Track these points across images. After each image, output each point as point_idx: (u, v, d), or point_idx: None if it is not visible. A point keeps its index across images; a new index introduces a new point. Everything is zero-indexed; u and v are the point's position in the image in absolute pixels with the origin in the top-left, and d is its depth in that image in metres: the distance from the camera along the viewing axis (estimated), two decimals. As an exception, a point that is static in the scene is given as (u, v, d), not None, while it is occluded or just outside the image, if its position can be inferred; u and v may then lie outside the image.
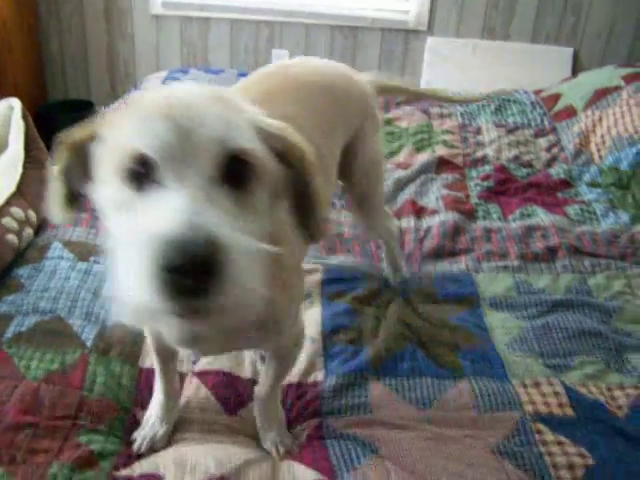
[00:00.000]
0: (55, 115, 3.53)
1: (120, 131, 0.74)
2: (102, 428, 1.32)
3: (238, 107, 0.79)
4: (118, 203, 0.73)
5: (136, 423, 1.37)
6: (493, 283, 1.80)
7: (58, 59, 3.90)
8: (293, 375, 1.46)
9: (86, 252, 1.73)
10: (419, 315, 1.67)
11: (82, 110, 3.64)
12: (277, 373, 1.29)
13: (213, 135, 0.71)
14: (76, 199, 0.86)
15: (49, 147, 0.92)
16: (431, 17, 3.74)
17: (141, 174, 0.71)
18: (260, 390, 1.33)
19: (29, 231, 1.77)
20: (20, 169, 1.85)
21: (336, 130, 1.34)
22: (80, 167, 0.82)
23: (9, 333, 1.48)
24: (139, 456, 1.29)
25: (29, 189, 1.84)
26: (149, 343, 1.30)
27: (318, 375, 1.49)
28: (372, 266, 1.86)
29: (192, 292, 0.64)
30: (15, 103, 1.94)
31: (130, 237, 0.68)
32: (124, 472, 1.23)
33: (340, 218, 2.05)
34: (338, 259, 1.87)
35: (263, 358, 1.48)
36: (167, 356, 1.31)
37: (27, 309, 1.55)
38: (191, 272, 0.62)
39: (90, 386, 1.39)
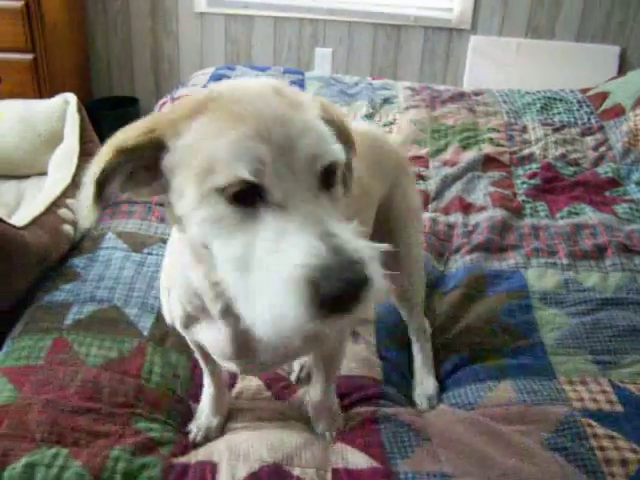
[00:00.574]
0: (100, 111, 3.58)
1: (206, 146, 0.72)
2: (159, 417, 1.35)
3: (310, 107, 0.78)
4: (219, 222, 0.72)
5: (190, 414, 1.40)
6: (542, 279, 1.80)
7: (104, 56, 3.96)
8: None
9: (139, 243, 1.76)
10: (464, 315, 1.67)
11: (127, 106, 3.70)
12: (326, 376, 1.31)
13: (310, 152, 0.72)
14: (102, 200, 0.79)
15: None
16: (474, 16, 3.73)
17: (244, 195, 0.70)
18: (314, 395, 1.35)
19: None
20: (75, 161, 1.89)
21: (376, 179, 1.35)
22: (124, 169, 0.77)
23: (69, 320, 1.52)
24: (195, 445, 1.32)
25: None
26: (191, 346, 1.30)
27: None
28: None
29: (344, 307, 0.67)
30: (70, 98, 1.98)
31: (263, 262, 0.68)
32: (181, 459, 1.26)
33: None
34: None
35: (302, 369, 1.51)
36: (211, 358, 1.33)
37: (85, 297, 1.58)
38: (346, 293, 0.65)
39: (148, 375, 1.42)
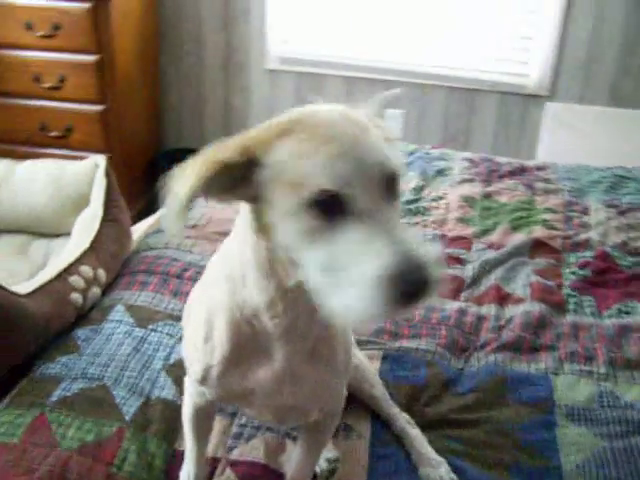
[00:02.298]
0: (169, 163, 3.62)
1: (298, 164, 0.81)
2: (124, 511, 1.28)
3: (371, 128, 0.87)
4: (308, 233, 0.80)
5: (159, 509, 1.32)
6: (574, 389, 1.63)
7: (176, 108, 4.04)
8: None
9: (146, 318, 1.72)
10: (477, 421, 1.52)
11: (196, 159, 3.74)
12: (315, 447, 1.28)
13: (377, 162, 0.82)
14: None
15: (157, 193, 0.89)
16: (554, 82, 3.59)
17: (329, 206, 0.79)
18: (295, 473, 1.30)
19: (96, 290, 1.79)
20: (96, 227, 1.88)
21: None
22: (216, 183, 0.85)
23: (54, 397, 1.48)
24: None
25: (102, 246, 1.86)
26: (188, 418, 1.26)
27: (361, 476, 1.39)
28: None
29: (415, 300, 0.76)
30: (100, 161, 1.98)
31: (349, 263, 0.77)
32: None
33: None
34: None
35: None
36: (202, 432, 1.29)
37: (76, 374, 1.54)
38: (418, 290, 0.75)
39: (120, 463, 1.35)
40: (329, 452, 1.41)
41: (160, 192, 0.87)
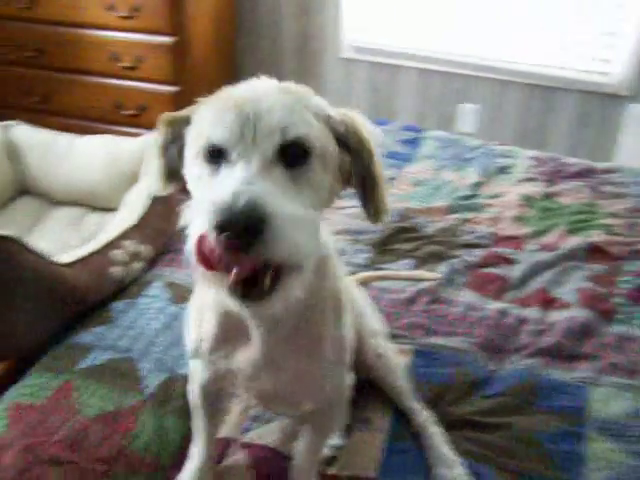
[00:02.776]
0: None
1: (202, 118, 0.89)
2: (134, 481, 1.31)
3: (303, 97, 0.90)
4: (199, 179, 0.88)
5: (168, 485, 1.34)
6: (610, 403, 1.55)
7: (251, 94, 4.06)
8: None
9: (182, 296, 1.74)
10: (501, 425, 1.48)
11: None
12: (316, 439, 1.27)
13: (274, 124, 0.83)
14: (174, 175, 1.00)
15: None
16: (639, 82, 3.42)
17: (217, 156, 0.85)
18: (298, 462, 1.30)
19: (137, 265, 1.82)
20: (144, 202, 1.91)
21: None
22: (175, 146, 0.97)
23: (83, 364, 1.54)
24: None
25: (148, 223, 1.89)
26: (195, 396, 1.28)
27: (370, 469, 1.37)
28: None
29: (241, 248, 0.75)
30: (153, 139, 2.01)
31: (200, 202, 0.82)
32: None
33: (451, 296, 1.89)
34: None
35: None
36: (211, 413, 1.30)
37: (107, 344, 1.59)
38: (240, 231, 0.74)
39: (136, 435, 1.39)
40: (333, 439, 1.40)
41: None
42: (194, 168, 0.89)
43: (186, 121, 0.95)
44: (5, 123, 2.40)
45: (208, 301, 1.07)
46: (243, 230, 0.74)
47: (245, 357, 1.06)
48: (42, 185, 2.34)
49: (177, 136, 0.97)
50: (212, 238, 0.75)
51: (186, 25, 3.31)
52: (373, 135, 0.95)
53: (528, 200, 2.40)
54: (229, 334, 1.06)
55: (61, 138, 2.35)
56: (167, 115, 0.99)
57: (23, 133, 2.37)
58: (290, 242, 0.77)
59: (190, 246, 0.79)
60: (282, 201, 0.78)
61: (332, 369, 1.12)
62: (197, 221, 0.78)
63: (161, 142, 0.98)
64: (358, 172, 0.95)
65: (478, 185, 2.50)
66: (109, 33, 3.38)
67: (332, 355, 1.09)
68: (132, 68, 3.39)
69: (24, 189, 2.40)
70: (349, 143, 0.93)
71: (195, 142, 0.89)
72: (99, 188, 2.21)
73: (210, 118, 0.86)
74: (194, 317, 1.12)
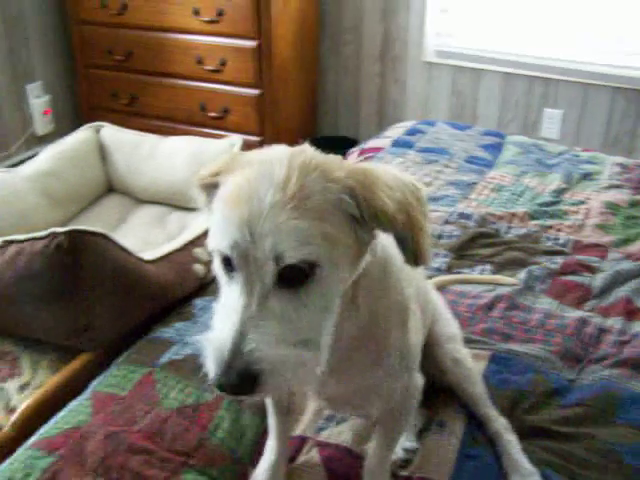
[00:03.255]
0: (323, 149, 3.69)
1: (216, 214, 0.88)
2: (211, 473, 1.34)
3: (314, 190, 0.84)
4: (220, 275, 0.90)
5: (244, 478, 1.37)
6: (696, 419, 1.50)
7: (332, 96, 4.11)
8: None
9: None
10: (578, 436, 1.44)
11: (348, 147, 3.79)
12: (387, 439, 1.27)
13: (267, 251, 0.81)
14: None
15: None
16: None
17: (229, 263, 0.85)
18: (370, 462, 1.30)
19: (218, 264, 1.86)
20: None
21: None
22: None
23: (165, 358, 1.58)
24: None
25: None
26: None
27: (442, 473, 1.36)
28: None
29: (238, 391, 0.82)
30: (236, 141, 2.06)
31: (218, 312, 0.87)
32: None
33: (530, 303, 1.86)
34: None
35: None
36: (281, 410, 1.32)
37: (187, 340, 1.63)
38: (236, 388, 0.81)
39: (214, 429, 1.42)
40: (408, 442, 1.40)
41: None
42: (215, 260, 0.91)
43: (215, 186, 0.93)
44: (96, 124, 2.49)
45: None
46: (238, 386, 0.81)
47: None
48: (127, 184, 2.43)
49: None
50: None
51: (269, 29, 3.37)
52: (393, 194, 0.87)
53: (612, 208, 2.34)
54: None
55: (146, 139, 2.43)
56: (200, 177, 0.97)
57: (111, 134, 2.47)
58: (284, 383, 0.83)
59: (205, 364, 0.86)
60: (276, 350, 0.81)
61: (398, 376, 1.12)
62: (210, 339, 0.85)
63: (202, 204, 0.98)
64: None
65: (561, 191, 2.45)
66: (194, 37, 3.48)
67: (397, 362, 1.10)
68: (216, 71, 3.48)
69: (111, 187, 2.50)
70: (366, 217, 0.86)
71: (211, 236, 0.89)
72: (183, 188, 2.27)
73: (219, 225, 0.86)
74: None
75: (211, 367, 0.83)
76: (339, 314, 0.91)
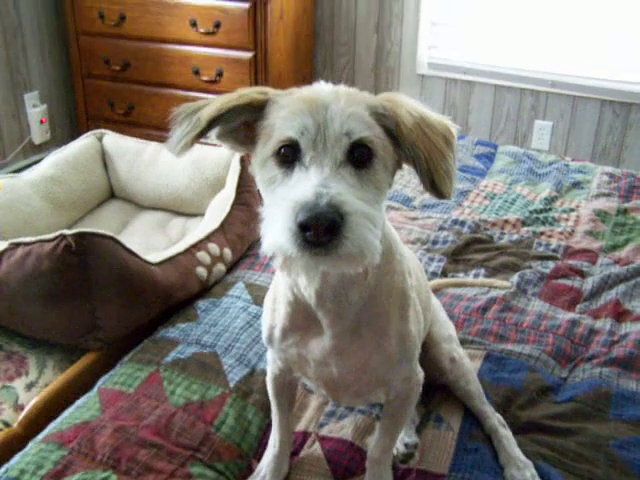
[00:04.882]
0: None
1: (277, 117, 0.95)
2: (217, 467, 1.39)
3: (361, 100, 0.96)
4: (273, 181, 0.94)
5: (249, 471, 1.42)
6: (684, 414, 1.56)
7: (326, 108, 4.15)
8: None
9: (262, 297, 1.81)
10: (571, 431, 1.50)
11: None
12: (390, 429, 1.31)
13: (342, 130, 0.91)
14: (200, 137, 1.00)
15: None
16: None
17: (289, 160, 0.92)
18: (373, 452, 1.34)
19: (221, 267, 1.92)
20: (228, 209, 2.01)
21: None
22: (233, 118, 1.00)
23: (170, 357, 1.62)
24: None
25: (231, 228, 1.99)
26: (270, 387, 1.36)
27: (441, 466, 1.41)
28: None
29: (319, 244, 0.83)
30: (237, 148, 2.11)
31: (279, 202, 0.88)
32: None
33: (523, 306, 1.92)
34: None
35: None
36: (284, 400, 1.37)
37: (192, 339, 1.68)
38: (319, 229, 0.82)
39: (219, 424, 1.46)
40: (409, 437, 1.44)
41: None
42: (266, 171, 0.95)
43: (258, 105, 0.99)
44: (99, 131, 2.53)
45: (281, 292, 1.16)
46: (325, 228, 0.82)
47: (315, 344, 1.14)
48: (129, 190, 2.47)
49: (245, 112, 1.00)
50: (290, 233, 0.83)
51: (265, 41, 3.43)
52: (415, 112, 0.98)
53: (601, 215, 2.40)
54: (299, 323, 1.15)
55: (148, 147, 2.47)
56: (241, 92, 1.01)
57: (113, 141, 2.51)
58: (363, 238, 0.85)
59: (266, 245, 0.87)
60: (355, 200, 0.87)
61: (398, 363, 1.17)
62: (278, 219, 0.85)
63: (218, 111, 0.97)
64: (408, 154, 0.98)
65: (552, 200, 2.52)
66: (191, 48, 3.53)
67: (397, 348, 1.15)
68: (213, 82, 3.53)
69: (113, 193, 2.54)
70: (391, 128, 0.98)
71: (265, 144, 0.96)
72: (185, 194, 2.32)
73: (286, 119, 0.93)
74: (269, 306, 1.22)
75: (299, 210, 0.83)
76: (351, 278, 1.04)
